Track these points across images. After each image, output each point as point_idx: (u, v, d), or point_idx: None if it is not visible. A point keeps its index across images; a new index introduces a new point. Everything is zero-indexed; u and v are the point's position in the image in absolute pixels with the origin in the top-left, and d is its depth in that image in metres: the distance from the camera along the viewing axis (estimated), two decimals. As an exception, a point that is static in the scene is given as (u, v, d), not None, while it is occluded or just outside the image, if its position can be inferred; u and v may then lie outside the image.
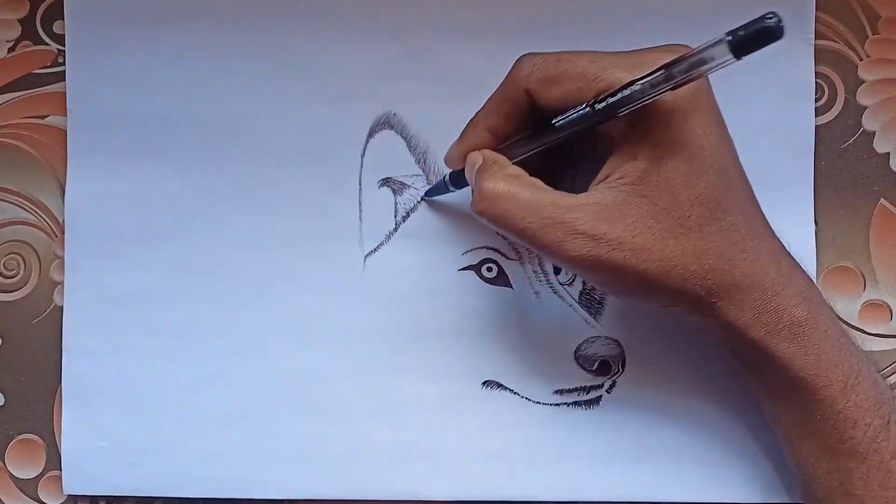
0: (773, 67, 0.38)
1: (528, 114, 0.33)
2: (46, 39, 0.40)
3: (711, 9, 0.38)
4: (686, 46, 0.31)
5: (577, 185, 0.35)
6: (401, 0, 0.39)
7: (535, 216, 0.31)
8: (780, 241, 0.33)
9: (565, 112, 0.31)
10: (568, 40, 0.38)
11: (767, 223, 0.33)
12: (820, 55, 0.39)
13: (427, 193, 0.39)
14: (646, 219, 0.30)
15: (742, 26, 0.26)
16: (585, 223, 0.30)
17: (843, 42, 0.39)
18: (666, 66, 0.28)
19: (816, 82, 0.39)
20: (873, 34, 0.39)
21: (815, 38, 0.38)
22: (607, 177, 0.31)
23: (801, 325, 0.31)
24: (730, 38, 0.26)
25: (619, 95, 0.29)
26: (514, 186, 0.31)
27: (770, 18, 0.25)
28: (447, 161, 0.36)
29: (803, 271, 0.33)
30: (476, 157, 0.34)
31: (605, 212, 0.30)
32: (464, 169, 0.35)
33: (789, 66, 0.38)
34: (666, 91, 0.28)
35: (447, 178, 0.37)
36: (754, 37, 0.26)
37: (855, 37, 0.39)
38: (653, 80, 0.28)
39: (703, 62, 0.27)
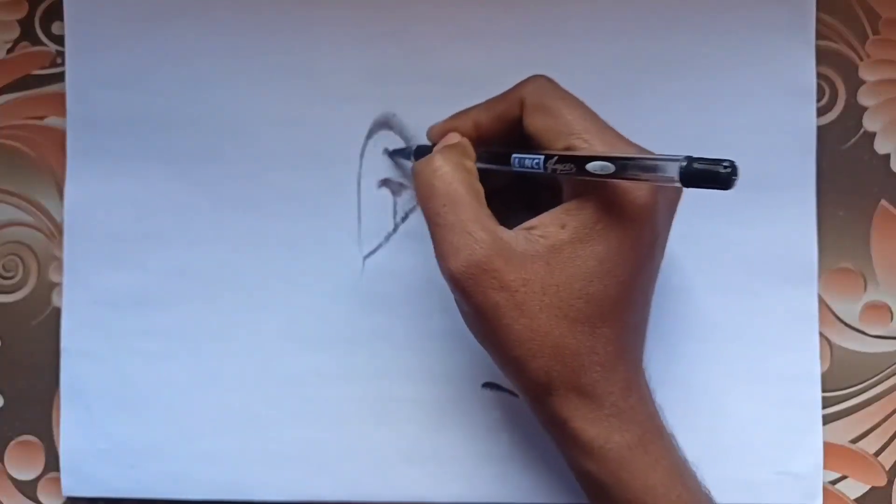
0: (774, 68, 0.38)
1: (515, 126, 0.33)
2: (45, 40, 0.40)
3: (711, 10, 0.38)
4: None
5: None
6: (400, 1, 0.39)
7: (452, 210, 0.31)
8: (643, 374, 0.33)
9: (537, 143, 0.32)
10: (567, 42, 0.38)
11: (641, 351, 0.33)
12: (821, 56, 0.39)
13: (394, 152, 0.39)
14: (536, 283, 0.30)
15: (700, 160, 0.26)
16: (485, 248, 0.30)
17: (844, 43, 0.39)
18: (615, 159, 0.28)
19: (817, 83, 0.38)
20: (874, 35, 0.39)
21: (816, 39, 0.38)
22: (531, 227, 0.31)
23: (631, 450, 0.31)
24: (684, 163, 0.26)
25: (564, 165, 0.30)
26: (458, 176, 0.31)
27: (724, 164, 0.26)
28: (429, 133, 0.36)
29: (650, 404, 0.32)
30: (452, 136, 0.34)
31: (509, 253, 0.30)
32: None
33: (790, 67, 0.38)
34: (602, 177, 0.29)
35: (415, 148, 0.37)
36: (704, 174, 0.26)
37: (856, 37, 0.39)
38: (598, 165, 0.29)
39: (652, 170, 0.27)
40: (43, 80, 0.40)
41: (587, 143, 0.31)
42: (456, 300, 0.32)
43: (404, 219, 0.39)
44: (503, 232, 0.31)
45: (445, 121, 0.35)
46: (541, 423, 0.33)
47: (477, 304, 0.30)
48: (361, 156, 0.39)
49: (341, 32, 0.39)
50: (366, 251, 0.39)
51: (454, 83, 0.39)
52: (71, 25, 0.39)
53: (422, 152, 0.37)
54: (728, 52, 0.38)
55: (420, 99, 0.39)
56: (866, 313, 0.39)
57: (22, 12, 0.40)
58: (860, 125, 0.39)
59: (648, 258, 0.32)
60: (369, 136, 0.39)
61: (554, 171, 0.31)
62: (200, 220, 0.39)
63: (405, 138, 0.39)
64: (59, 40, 0.40)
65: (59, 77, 0.40)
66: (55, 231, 0.40)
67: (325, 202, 0.39)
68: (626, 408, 0.31)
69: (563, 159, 0.30)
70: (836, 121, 0.39)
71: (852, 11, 0.39)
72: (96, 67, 0.39)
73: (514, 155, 0.32)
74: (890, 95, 0.39)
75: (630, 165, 0.28)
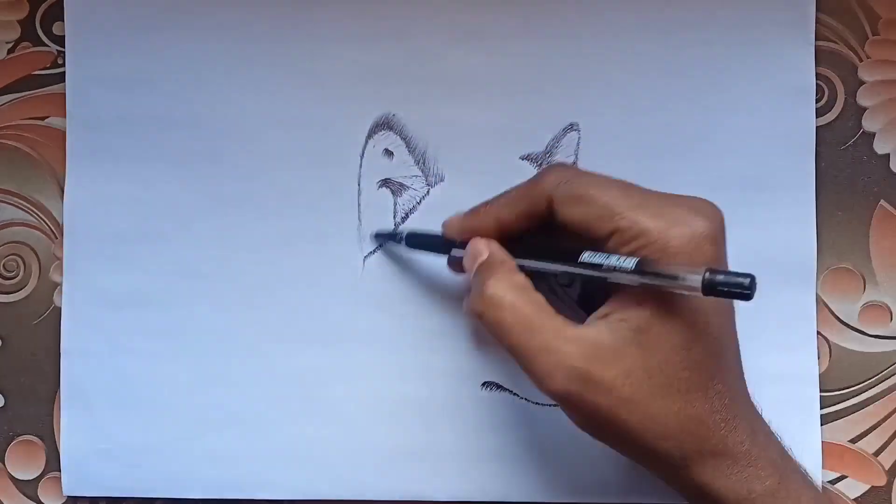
0: (774, 68, 0.38)
1: (542, 220, 0.32)
2: (46, 41, 0.40)
3: (711, 10, 0.38)
4: (712, 206, 0.31)
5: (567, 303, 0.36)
6: (400, 2, 0.39)
7: (532, 337, 0.30)
8: (757, 411, 0.32)
9: (579, 232, 0.31)
10: (567, 42, 0.38)
11: (747, 391, 0.32)
12: (820, 56, 0.39)
13: (377, 235, 0.39)
14: (638, 371, 0.30)
15: (722, 272, 0.28)
16: (579, 360, 0.29)
17: (844, 43, 0.39)
18: (640, 268, 0.29)
19: (816, 83, 0.39)
20: (873, 35, 0.39)
21: (816, 39, 0.38)
22: (608, 314, 0.30)
23: (773, 496, 0.30)
24: (707, 274, 0.28)
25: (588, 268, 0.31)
26: (519, 299, 0.31)
27: (745, 280, 0.27)
28: (446, 227, 0.35)
29: (777, 441, 0.32)
30: (482, 249, 0.33)
31: (601, 353, 0.30)
32: (445, 238, 0.35)
33: (789, 68, 0.38)
34: (633, 281, 0.29)
35: (405, 235, 0.37)
36: (726, 288, 0.28)
37: (855, 38, 0.39)
38: (626, 268, 0.30)
39: (673, 279, 0.28)
40: (44, 80, 0.40)
41: (632, 220, 0.30)
42: (566, 414, 0.31)
43: (404, 219, 0.39)
44: (586, 331, 0.30)
45: (464, 217, 0.35)
46: (676, 490, 0.32)
47: (589, 413, 0.30)
48: (362, 156, 0.39)
49: (342, 33, 0.39)
50: (366, 251, 0.39)
51: (454, 84, 0.39)
52: (72, 26, 0.39)
53: (414, 239, 0.37)
54: (728, 52, 0.38)
55: (420, 99, 0.39)
56: (865, 313, 0.39)
57: (23, 12, 0.40)
58: (859, 125, 0.39)
59: (726, 301, 0.31)
60: (369, 136, 0.39)
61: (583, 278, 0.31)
62: (201, 221, 0.39)
63: (405, 138, 0.39)
64: (60, 41, 0.40)
65: (60, 77, 0.40)
66: (56, 231, 0.40)
67: (325, 202, 0.39)
68: (758, 452, 0.31)
69: (586, 266, 0.31)
70: (835, 121, 0.39)
71: (852, 12, 0.39)
72: (97, 68, 0.39)
73: (583, 258, 0.32)
74: (890, 96, 0.39)
75: (653, 279, 0.29)
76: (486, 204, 0.34)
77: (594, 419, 0.30)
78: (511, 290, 0.31)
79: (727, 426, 0.30)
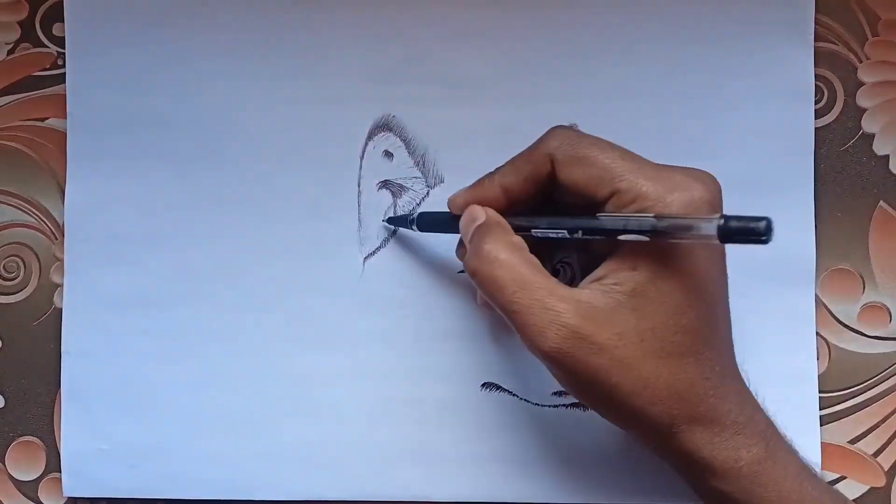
0: (773, 70, 0.38)
1: (545, 183, 0.33)
2: (46, 42, 0.40)
3: (711, 11, 0.38)
4: (710, 175, 0.31)
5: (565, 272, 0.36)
6: (400, 2, 0.39)
7: (525, 294, 0.30)
8: (744, 382, 0.33)
9: (578, 194, 0.31)
10: (567, 42, 0.39)
11: (736, 363, 0.33)
12: (819, 57, 0.39)
13: (389, 220, 0.39)
14: (631, 333, 0.30)
15: (737, 217, 0.27)
16: (572, 318, 0.30)
17: (843, 44, 0.39)
18: (657, 217, 0.29)
19: (816, 84, 0.39)
20: (873, 36, 0.39)
21: (815, 41, 0.38)
22: (602, 278, 0.31)
23: (760, 463, 0.31)
24: (721, 222, 0.27)
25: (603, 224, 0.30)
26: (514, 257, 0.31)
27: (761, 223, 0.27)
28: (451, 204, 0.35)
29: (763, 411, 0.32)
30: (478, 213, 0.33)
31: (594, 313, 0.30)
32: (454, 215, 0.35)
33: (789, 69, 0.38)
34: (645, 237, 0.29)
35: (415, 218, 0.37)
36: (742, 232, 0.27)
37: (855, 39, 0.39)
38: (640, 223, 0.29)
39: (688, 229, 0.28)
40: (44, 81, 0.40)
41: (631, 182, 0.30)
42: (555, 375, 0.32)
43: (404, 220, 0.39)
44: (580, 294, 0.30)
45: (468, 190, 0.34)
46: (663, 457, 0.32)
47: (580, 374, 0.30)
48: (361, 157, 0.39)
49: (341, 34, 0.39)
50: (366, 252, 0.39)
51: (453, 85, 0.39)
52: (71, 27, 0.39)
53: (425, 220, 0.37)
54: (727, 53, 0.38)
55: (419, 100, 0.39)
56: (865, 314, 0.39)
57: (23, 14, 0.40)
58: (859, 126, 0.39)
59: (721, 268, 0.32)
60: (369, 137, 0.39)
61: (588, 239, 0.31)
62: (200, 221, 0.39)
63: (404, 140, 0.39)
64: (60, 42, 0.40)
65: (60, 78, 0.40)
66: (56, 232, 0.40)
67: (325, 203, 0.39)
68: (746, 421, 0.31)
69: (594, 231, 0.31)
70: (834, 122, 0.39)
71: (851, 13, 0.39)
72: (97, 69, 0.39)
73: (536, 231, 0.32)
74: (889, 97, 0.39)
75: (667, 228, 0.29)
76: (489, 175, 0.34)
77: (584, 380, 0.30)
78: (506, 249, 0.31)
79: (716, 393, 0.31)
